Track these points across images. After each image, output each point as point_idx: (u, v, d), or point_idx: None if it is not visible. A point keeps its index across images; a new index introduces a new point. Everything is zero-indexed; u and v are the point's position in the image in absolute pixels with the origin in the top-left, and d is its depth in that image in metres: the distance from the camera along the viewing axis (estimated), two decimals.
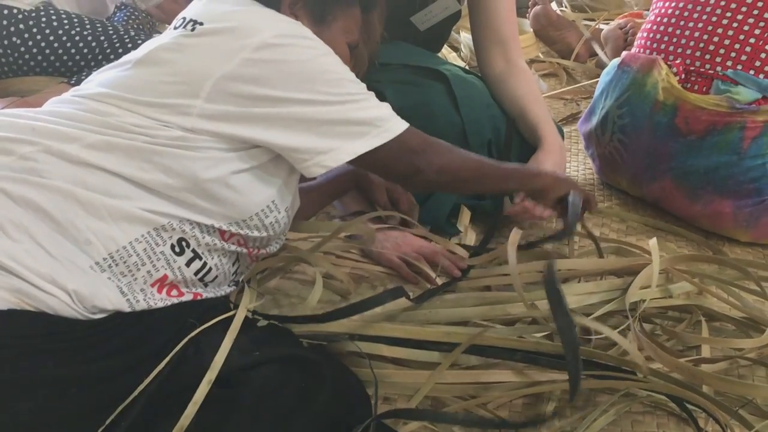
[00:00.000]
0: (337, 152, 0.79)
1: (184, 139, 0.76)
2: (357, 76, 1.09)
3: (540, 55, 2.26)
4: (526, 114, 1.19)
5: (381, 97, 1.16)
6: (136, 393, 0.71)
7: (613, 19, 2.19)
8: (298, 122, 0.78)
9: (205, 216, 0.78)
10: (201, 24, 0.80)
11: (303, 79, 0.78)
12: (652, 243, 1.01)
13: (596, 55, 2.14)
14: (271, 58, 0.77)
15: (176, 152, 0.75)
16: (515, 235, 0.97)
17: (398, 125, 0.83)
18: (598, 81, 1.41)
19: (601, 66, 2.00)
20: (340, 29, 0.90)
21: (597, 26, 2.20)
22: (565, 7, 2.42)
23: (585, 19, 2.32)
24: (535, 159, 1.15)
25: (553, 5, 2.37)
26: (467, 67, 1.57)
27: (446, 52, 2.10)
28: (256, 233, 0.82)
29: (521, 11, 2.14)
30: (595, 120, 1.36)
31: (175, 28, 0.83)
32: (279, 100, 0.77)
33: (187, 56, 0.78)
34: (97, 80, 0.82)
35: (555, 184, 0.98)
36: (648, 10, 2.11)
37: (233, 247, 0.82)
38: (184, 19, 0.82)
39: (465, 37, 2.26)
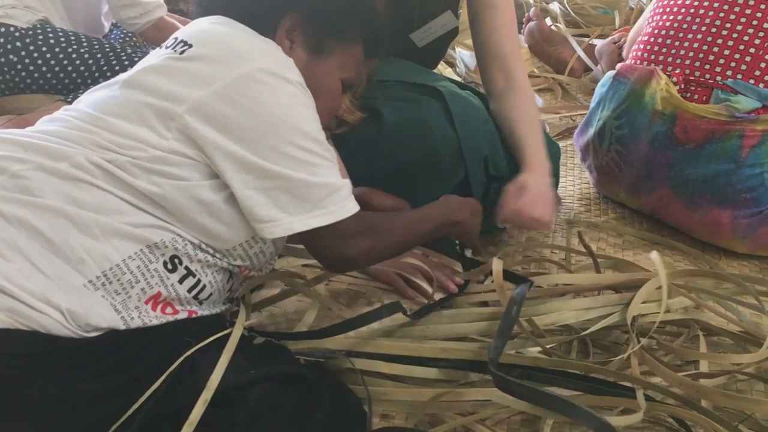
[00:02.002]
0: (274, 225, 0.76)
1: (164, 161, 0.75)
2: (355, 94, 1.10)
3: (535, 70, 2.27)
4: (513, 135, 1.20)
5: (377, 114, 1.18)
6: (130, 412, 0.71)
7: (607, 35, 2.21)
8: (251, 175, 0.75)
9: (194, 238, 0.78)
10: (190, 46, 0.80)
11: (270, 124, 0.76)
12: (654, 256, 1.00)
13: (591, 69, 2.15)
14: (246, 94, 0.75)
15: (159, 177, 0.75)
16: (498, 265, 0.97)
17: (344, 210, 0.79)
18: (593, 95, 1.42)
19: (596, 80, 2.01)
20: (337, 64, 0.88)
21: (590, 42, 2.22)
22: (560, 22, 2.44)
23: (578, 35, 2.34)
24: (515, 180, 1.15)
25: (548, 21, 2.39)
26: (463, 82, 1.58)
27: (442, 68, 2.12)
28: (239, 262, 0.82)
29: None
30: (591, 131, 1.37)
31: (166, 47, 0.83)
32: (242, 141, 0.75)
33: (169, 79, 0.78)
34: (86, 100, 0.82)
35: (469, 226, 1.01)
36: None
37: (225, 264, 0.82)
38: (176, 39, 0.83)
39: (461, 53, 2.27)
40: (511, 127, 1.20)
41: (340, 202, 0.79)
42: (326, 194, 0.78)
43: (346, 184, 0.81)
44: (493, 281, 1.10)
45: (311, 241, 0.81)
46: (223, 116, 0.75)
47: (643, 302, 0.95)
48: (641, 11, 2.38)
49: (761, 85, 1.15)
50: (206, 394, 0.72)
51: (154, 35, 1.81)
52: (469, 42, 1.36)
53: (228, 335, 0.80)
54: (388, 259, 1.01)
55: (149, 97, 0.77)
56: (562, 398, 0.74)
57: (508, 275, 1.06)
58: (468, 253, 1.17)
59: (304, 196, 0.77)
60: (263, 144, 0.76)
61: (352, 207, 0.81)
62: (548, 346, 0.92)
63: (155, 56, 0.83)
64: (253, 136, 0.76)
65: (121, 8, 1.77)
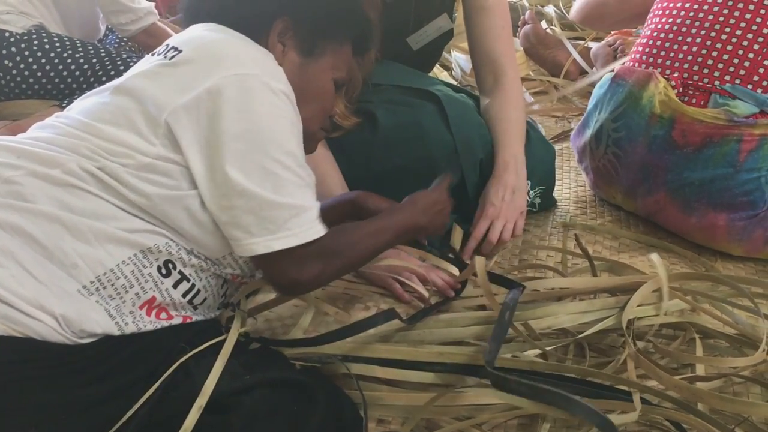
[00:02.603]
0: (237, 245, 0.76)
1: (153, 168, 0.75)
2: (351, 99, 1.10)
3: (530, 73, 2.28)
4: (492, 134, 1.21)
5: (372, 118, 1.18)
6: (124, 419, 0.71)
7: (602, 38, 2.21)
8: (219, 190, 0.74)
9: (186, 244, 0.78)
10: (180, 52, 0.80)
11: (247, 130, 0.74)
12: (655, 258, 1.00)
13: (586, 72, 2.16)
14: (228, 98, 0.74)
15: (147, 184, 0.74)
16: (480, 263, 0.97)
17: (308, 233, 0.76)
18: (588, 99, 1.42)
19: (591, 83, 2.02)
20: (328, 64, 0.88)
21: (585, 45, 2.22)
22: (555, 25, 2.44)
23: (574, 38, 2.34)
24: (486, 186, 1.16)
25: (543, 24, 2.39)
26: (458, 85, 1.58)
27: (438, 71, 2.12)
28: (229, 270, 0.82)
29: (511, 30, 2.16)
30: (588, 133, 1.37)
31: (157, 54, 0.83)
32: (216, 145, 0.74)
33: (157, 84, 0.77)
34: (78, 107, 0.82)
35: (434, 225, 0.96)
36: (635, 27, 2.14)
37: (218, 271, 0.82)
38: (167, 45, 0.83)
39: (456, 56, 2.28)
40: (491, 127, 1.22)
41: (306, 224, 0.76)
42: (291, 216, 0.75)
43: (316, 206, 0.79)
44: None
45: (265, 262, 0.78)
46: (202, 120, 0.74)
47: (639, 305, 0.95)
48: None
49: (759, 90, 1.15)
50: (201, 400, 0.72)
51: (146, 41, 1.81)
52: (465, 45, 1.36)
53: (223, 341, 0.80)
54: (340, 277, 0.98)
55: (138, 103, 0.77)
56: (562, 393, 0.74)
57: (502, 280, 1.06)
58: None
59: (268, 217, 0.74)
60: (236, 149, 0.74)
61: (318, 230, 0.77)
62: (545, 350, 0.92)
63: (146, 62, 0.83)
64: (227, 140, 0.74)
65: (112, 14, 1.77)
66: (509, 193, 1.16)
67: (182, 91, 0.75)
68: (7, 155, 0.74)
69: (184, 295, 0.79)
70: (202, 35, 0.83)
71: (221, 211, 0.75)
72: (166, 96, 0.76)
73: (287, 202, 0.75)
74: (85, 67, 1.67)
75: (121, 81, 0.81)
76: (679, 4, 1.26)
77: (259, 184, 0.74)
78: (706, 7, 1.21)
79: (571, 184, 1.55)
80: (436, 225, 0.97)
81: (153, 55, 0.84)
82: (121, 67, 1.69)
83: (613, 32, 2.16)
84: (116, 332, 0.72)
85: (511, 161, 1.18)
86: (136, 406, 0.71)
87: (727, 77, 1.16)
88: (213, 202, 0.75)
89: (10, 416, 0.66)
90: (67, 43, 1.68)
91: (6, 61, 1.63)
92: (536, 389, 0.75)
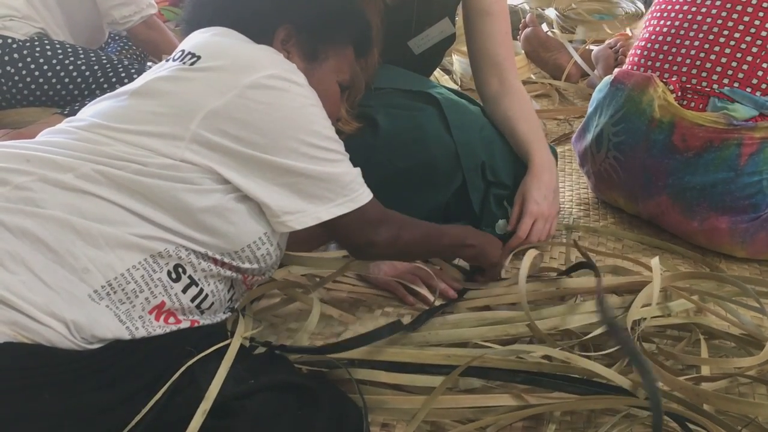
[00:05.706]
0: (302, 215, 0.80)
1: (175, 168, 0.76)
2: (352, 103, 1.11)
3: (532, 76, 2.28)
4: (515, 134, 1.20)
5: (373, 122, 1.18)
6: (132, 424, 0.70)
7: (603, 41, 2.21)
8: (274, 173, 0.79)
9: (199, 245, 0.78)
10: (199, 58, 0.81)
11: (287, 127, 0.79)
12: (655, 263, 1.00)
13: (587, 75, 2.16)
14: (261, 100, 0.78)
15: (168, 181, 0.75)
16: (529, 257, 0.97)
17: (363, 196, 0.84)
18: (589, 101, 1.42)
19: (592, 86, 2.02)
20: (332, 68, 0.91)
21: (587, 47, 2.23)
22: (555, 28, 2.45)
23: (574, 40, 2.35)
24: (524, 183, 1.16)
25: (544, 27, 2.40)
26: (460, 90, 1.58)
27: (439, 75, 2.12)
28: (247, 265, 0.83)
29: (512, 33, 2.16)
30: (589, 137, 1.37)
31: (174, 60, 0.84)
32: (260, 145, 0.78)
33: (182, 89, 0.79)
34: (92, 111, 0.82)
35: (484, 251, 1.03)
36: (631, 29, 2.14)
37: (228, 273, 0.82)
38: (183, 51, 0.84)
39: (457, 60, 2.28)
40: (512, 126, 1.21)
41: (359, 189, 0.84)
42: (346, 183, 0.83)
43: (359, 172, 0.85)
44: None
45: (338, 228, 0.85)
46: (239, 123, 0.77)
47: (644, 306, 0.94)
48: (637, 16, 2.40)
49: (758, 93, 1.14)
50: (205, 405, 0.71)
51: (146, 32, 1.84)
52: (465, 48, 1.36)
53: (228, 345, 0.80)
54: (409, 258, 1.06)
55: (161, 106, 0.78)
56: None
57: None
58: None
59: (327, 187, 0.81)
60: (282, 146, 0.78)
61: (369, 192, 0.85)
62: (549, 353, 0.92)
63: (163, 68, 0.84)
64: (271, 141, 0.78)
65: (114, 8, 1.78)
66: (550, 192, 1.16)
67: (213, 96, 0.77)
68: (17, 161, 0.75)
69: (192, 300, 0.79)
70: (215, 41, 0.85)
71: (282, 188, 0.80)
72: (196, 100, 0.77)
73: (340, 171, 0.83)
74: (87, 74, 1.68)
75: (139, 85, 0.82)
76: (677, 7, 1.26)
77: (313, 164, 0.80)
78: (704, 10, 1.21)
79: (573, 186, 1.54)
80: (487, 252, 1.04)
81: (168, 61, 0.85)
82: (123, 74, 1.69)
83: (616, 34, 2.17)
84: (127, 337, 0.72)
85: (547, 160, 1.18)
86: (143, 411, 0.71)
87: (726, 80, 1.16)
88: (272, 183, 0.79)
89: (19, 423, 0.65)
90: (69, 50, 1.69)
91: (8, 68, 1.63)
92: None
